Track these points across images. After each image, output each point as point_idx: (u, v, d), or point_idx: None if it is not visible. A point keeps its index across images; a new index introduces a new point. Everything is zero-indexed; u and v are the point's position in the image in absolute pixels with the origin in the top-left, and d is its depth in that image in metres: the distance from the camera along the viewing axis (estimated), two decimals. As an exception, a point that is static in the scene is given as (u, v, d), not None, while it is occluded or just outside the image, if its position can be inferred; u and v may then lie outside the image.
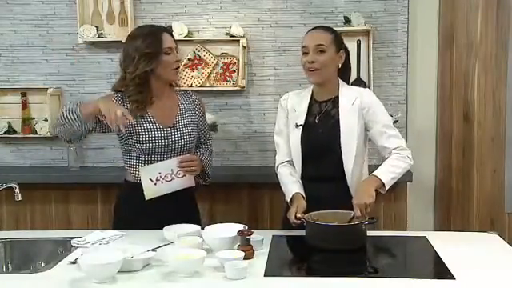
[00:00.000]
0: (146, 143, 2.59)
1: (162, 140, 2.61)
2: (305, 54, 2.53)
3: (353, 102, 2.53)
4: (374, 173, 2.47)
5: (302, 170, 2.59)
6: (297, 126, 2.58)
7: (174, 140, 2.63)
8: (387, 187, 2.44)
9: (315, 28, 2.62)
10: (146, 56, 2.56)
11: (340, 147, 2.51)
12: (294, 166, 2.61)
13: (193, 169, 2.63)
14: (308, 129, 2.57)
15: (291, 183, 2.55)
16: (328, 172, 2.53)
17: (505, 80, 3.65)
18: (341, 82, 2.61)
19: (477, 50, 3.66)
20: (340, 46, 2.58)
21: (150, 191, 2.58)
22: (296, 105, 2.62)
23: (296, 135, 2.58)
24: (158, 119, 2.64)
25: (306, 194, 2.52)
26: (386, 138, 2.53)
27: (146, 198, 2.58)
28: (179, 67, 2.72)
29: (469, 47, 3.68)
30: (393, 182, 2.45)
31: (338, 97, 2.57)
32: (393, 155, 2.51)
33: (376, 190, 2.40)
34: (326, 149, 2.53)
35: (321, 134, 2.54)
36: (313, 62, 2.50)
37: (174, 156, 2.63)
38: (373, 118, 2.54)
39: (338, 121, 2.53)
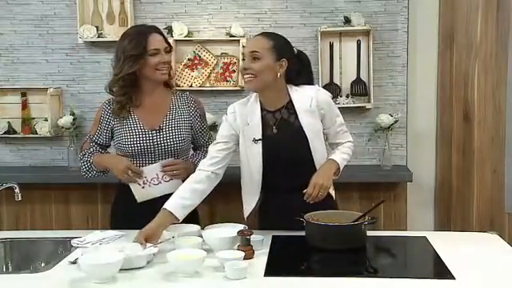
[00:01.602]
0: (131, 145, 2.60)
1: (146, 143, 2.60)
2: (243, 60, 2.48)
3: (310, 104, 2.45)
4: (333, 158, 2.48)
5: (265, 183, 2.50)
6: (255, 141, 2.46)
7: (159, 143, 2.61)
8: (339, 175, 2.50)
9: (258, 34, 2.53)
10: (129, 58, 2.56)
11: (311, 153, 2.46)
12: (217, 174, 2.48)
13: (175, 173, 2.60)
14: (268, 142, 2.46)
15: (181, 194, 2.39)
16: (303, 180, 2.40)
17: (505, 80, 3.65)
18: (289, 86, 2.50)
19: (477, 50, 3.67)
20: (281, 54, 2.42)
21: (139, 194, 2.61)
22: (247, 117, 2.49)
23: (256, 150, 2.46)
24: (144, 121, 2.63)
25: (278, 204, 2.48)
26: (341, 135, 2.57)
27: (138, 201, 2.60)
28: (167, 68, 2.65)
29: (469, 47, 3.68)
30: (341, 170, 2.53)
31: (290, 102, 2.48)
32: (345, 144, 2.57)
33: None
34: (295, 158, 2.45)
35: (284, 145, 2.45)
36: (246, 68, 2.41)
37: (161, 159, 2.62)
38: (331, 118, 2.51)
39: (301, 127, 2.45)
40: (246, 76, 2.42)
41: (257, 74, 2.40)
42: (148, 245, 2.17)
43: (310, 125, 2.45)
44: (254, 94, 2.53)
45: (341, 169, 2.48)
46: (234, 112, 2.53)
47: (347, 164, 2.55)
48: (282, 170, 2.47)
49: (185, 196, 2.39)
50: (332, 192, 2.56)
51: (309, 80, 2.57)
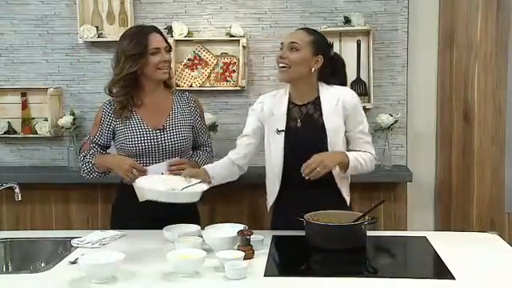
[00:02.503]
0: (135, 145, 2.59)
1: (151, 142, 2.60)
2: (280, 50, 2.51)
3: (336, 103, 2.48)
4: (347, 152, 2.47)
5: (284, 177, 2.51)
6: (278, 131, 2.50)
7: (163, 142, 2.62)
8: (347, 172, 2.46)
9: (301, 28, 2.60)
10: (131, 57, 2.56)
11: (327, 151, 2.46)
12: (240, 167, 2.57)
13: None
14: (290, 134, 2.49)
15: (216, 163, 2.58)
16: (320, 178, 2.38)
17: (505, 80, 3.66)
18: (320, 83, 2.53)
19: (477, 50, 3.67)
20: (319, 50, 2.48)
21: (142, 194, 2.58)
22: (274, 108, 2.54)
23: (278, 142, 2.50)
24: (147, 121, 2.63)
25: (292, 201, 2.48)
26: (361, 143, 2.53)
27: (140, 200, 2.58)
28: (168, 67, 2.68)
29: (469, 47, 3.68)
30: (352, 171, 2.46)
31: (318, 98, 2.51)
32: (365, 152, 2.52)
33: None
34: (312, 154, 2.43)
35: (305, 139, 2.47)
36: (283, 57, 2.46)
37: (165, 158, 2.62)
38: (353, 121, 2.50)
39: (324, 125, 2.47)
40: (280, 65, 2.47)
41: (291, 65, 2.45)
42: (194, 181, 2.34)
43: (332, 123, 2.47)
44: (285, 87, 2.58)
45: (350, 166, 2.43)
46: (262, 102, 2.60)
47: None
48: (299, 165, 2.44)
49: (219, 165, 2.54)
50: (347, 197, 2.55)
51: (342, 82, 2.60)
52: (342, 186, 2.53)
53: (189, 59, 3.73)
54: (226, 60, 3.74)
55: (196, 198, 2.36)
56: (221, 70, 3.75)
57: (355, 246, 2.25)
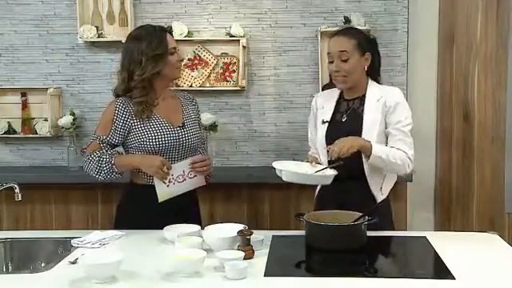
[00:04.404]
0: (159, 143, 2.58)
1: (174, 139, 2.61)
2: (330, 62, 2.55)
3: (378, 99, 2.53)
4: (373, 142, 2.46)
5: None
6: (323, 122, 2.60)
7: (184, 139, 2.64)
8: (370, 160, 2.44)
9: (338, 33, 2.59)
10: (153, 58, 2.56)
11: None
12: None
13: (205, 169, 2.63)
14: (333, 126, 2.58)
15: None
16: (350, 170, 2.45)
17: (505, 80, 3.65)
18: (370, 80, 2.59)
19: (477, 50, 3.67)
20: (364, 48, 2.54)
21: (163, 193, 2.57)
22: (325, 102, 2.66)
23: (321, 132, 2.60)
24: (167, 119, 2.64)
25: (332, 196, 2.54)
26: (395, 140, 2.51)
27: (160, 200, 2.56)
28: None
29: (469, 47, 3.68)
30: (378, 161, 2.44)
31: (365, 95, 2.57)
32: (400, 151, 2.50)
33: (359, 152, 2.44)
34: None
35: (345, 132, 2.50)
36: (338, 70, 2.52)
37: (183, 155, 2.63)
38: (391, 118, 2.52)
39: (362, 120, 2.52)
40: (338, 78, 2.54)
41: (347, 74, 2.53)
42: (320, 166, 2.47)
43: (369, 119, 2.51)
44: None
45: (373, 154, 2.42)
46: (316, 96, 2.75)
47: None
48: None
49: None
50: (377, 194, 2.55)
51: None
52: (372, 182, 2.54)
53: (189, 59, 3.73)
54: (225, 60, 3.74)
55: (328, 181, 2.43)
56: (221, 70, 3.75)
57: (355, 246, 2.24)
